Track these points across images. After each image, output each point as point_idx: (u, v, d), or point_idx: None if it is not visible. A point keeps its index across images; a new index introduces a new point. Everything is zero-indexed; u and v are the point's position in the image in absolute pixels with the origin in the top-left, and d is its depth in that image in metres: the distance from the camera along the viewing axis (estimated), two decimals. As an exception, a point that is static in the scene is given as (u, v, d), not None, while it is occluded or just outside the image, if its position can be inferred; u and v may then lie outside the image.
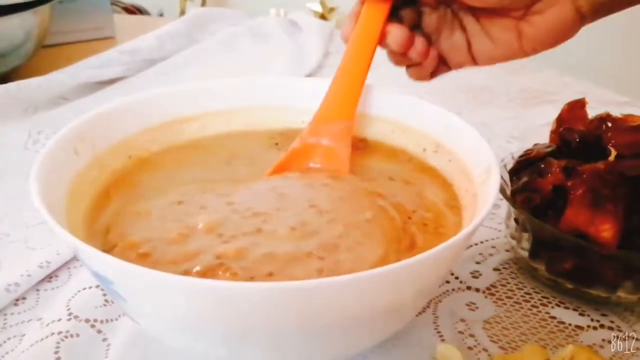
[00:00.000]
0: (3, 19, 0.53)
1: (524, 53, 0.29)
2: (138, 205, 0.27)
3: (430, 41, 0.30)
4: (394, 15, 0.30)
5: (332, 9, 1.16)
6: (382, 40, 0.30)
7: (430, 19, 0.30)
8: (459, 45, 0.30)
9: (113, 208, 0.27)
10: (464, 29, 0.30)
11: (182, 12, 1.17)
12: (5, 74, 0.56)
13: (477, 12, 0.29)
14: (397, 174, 0.31)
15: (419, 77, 0.32)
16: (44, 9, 0.58)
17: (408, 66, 0.32)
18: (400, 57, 0.31)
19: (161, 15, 1.15)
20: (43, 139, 0.45)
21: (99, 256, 0.19)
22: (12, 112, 0.48)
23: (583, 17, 0.27)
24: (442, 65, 0.32)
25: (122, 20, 0.83)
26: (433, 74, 0.32)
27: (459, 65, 0.31)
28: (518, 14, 0.28)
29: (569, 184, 0.27)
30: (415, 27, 0.30)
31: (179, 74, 0.59)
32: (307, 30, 0.71)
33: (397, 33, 0.30)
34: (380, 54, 0.31)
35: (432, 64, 0.31)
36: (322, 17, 1.13)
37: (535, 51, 0.29)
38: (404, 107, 0.32)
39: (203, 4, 1.26)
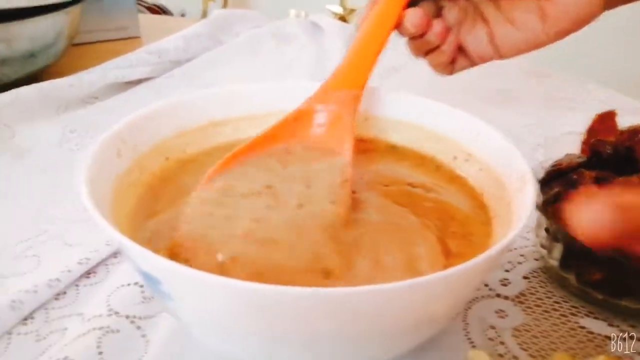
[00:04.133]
0: (36, 20, 0.54)
1: (548, 38, 0.29)
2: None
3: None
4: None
5: (352, 11, 1.16)
6: (399, 24, 0.30)
7: (450, 12, 0.30)
8: (480, 37, 0.30)
9: (158, 208, 0.28)
10: (485, 20, 0.30)
11: (204, 13, 1.18)
12: (36, 73, 0.57)
13: None
14: (420, 181, 0.31)
15: (439, 65, 0.32)
16: (74, 9, 0.59)
17: (427, 54, 0.32)
18: (418, 42, 0.31)
19: (183, 15, 1.17)
20: (76, 138, 0.47)
21: (152, 258, 0.19)
22: (45, 111, 0.49)
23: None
24: (464, 58, 0.31)
25: (146, 20, 0.84)
26: (454, 65, 0.31)
27: (482, 59, 0.31)
28: None
29: (603, 196, 0.27)
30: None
31: (205, 75, 0.60)
32: (328, 32, 0.72)
33: (413, 14, 0.30)
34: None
35: (451, 49, 0.31)
36: (342, 18, 1.13)
37: (558, 35, 0.29)
38: (435, 114, 0.33)
39: (225, 4, 1.27)
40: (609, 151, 0.30)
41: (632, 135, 0.30)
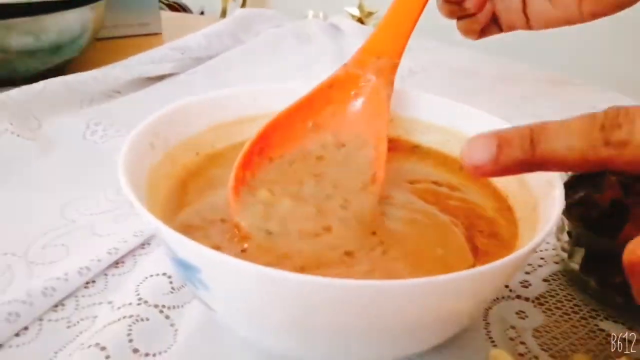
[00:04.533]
0: (63, 14, 0.55)
1: (581, 18, 0.28)
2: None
3: None
4: None
5: (370, 13, 1.17)
6: None
7: None
8: (514, 6, 0.30)
9: (187, 200, 0.28)
10: None
11: (224, 11, 1.19)
12: (61, 66, 0.58)
13: None
14: (445, 180, 0.31)
15: (469, 32, 0.31)
16: (99, 4, 0.60)
17: (459, 19, 0.31)
18: (454, 6, 0.30)
19: (202, 13, 1.18)
20: (100, 130, 0.47)
21: (195, 247, 0.20)
22: (70, 103, 0.50)
23: None
24: (493, 25, 0.31)
25: (167, 16, 0.85)
26: (482, 32, 0.31)
27: (511, 27, 0.31)
28: None
29: (628, 200, 0.27)
30: None
31: (226, 72, 0.61)
32: (348, 34, 0.73)
33: None
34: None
35: (486, 17, 0.30)
36: (360, 21, 1.13)
37: (593, 16, 0.28)
38: (462, 116, 0.33)
39: (243, 4, 1.28)
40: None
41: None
